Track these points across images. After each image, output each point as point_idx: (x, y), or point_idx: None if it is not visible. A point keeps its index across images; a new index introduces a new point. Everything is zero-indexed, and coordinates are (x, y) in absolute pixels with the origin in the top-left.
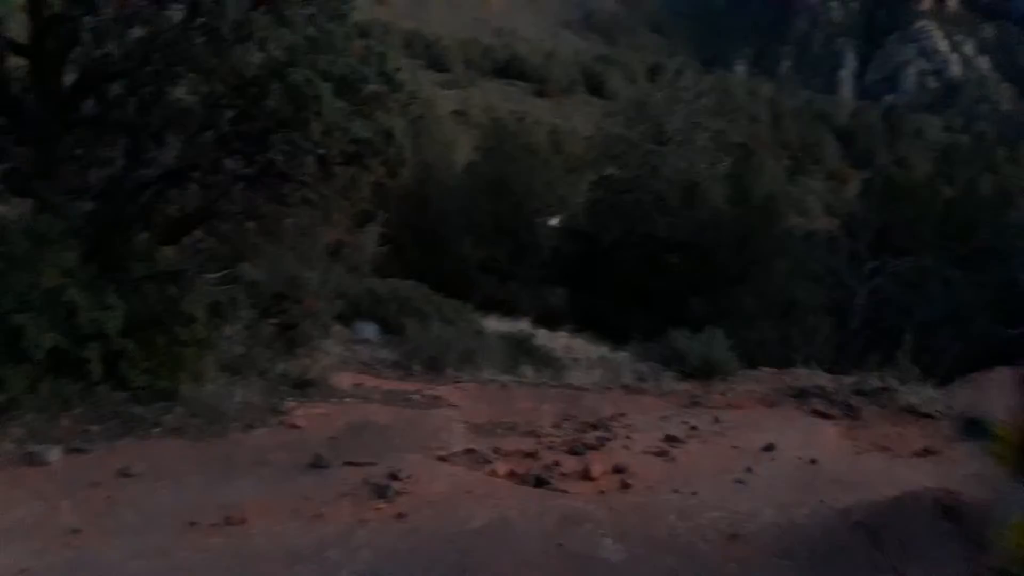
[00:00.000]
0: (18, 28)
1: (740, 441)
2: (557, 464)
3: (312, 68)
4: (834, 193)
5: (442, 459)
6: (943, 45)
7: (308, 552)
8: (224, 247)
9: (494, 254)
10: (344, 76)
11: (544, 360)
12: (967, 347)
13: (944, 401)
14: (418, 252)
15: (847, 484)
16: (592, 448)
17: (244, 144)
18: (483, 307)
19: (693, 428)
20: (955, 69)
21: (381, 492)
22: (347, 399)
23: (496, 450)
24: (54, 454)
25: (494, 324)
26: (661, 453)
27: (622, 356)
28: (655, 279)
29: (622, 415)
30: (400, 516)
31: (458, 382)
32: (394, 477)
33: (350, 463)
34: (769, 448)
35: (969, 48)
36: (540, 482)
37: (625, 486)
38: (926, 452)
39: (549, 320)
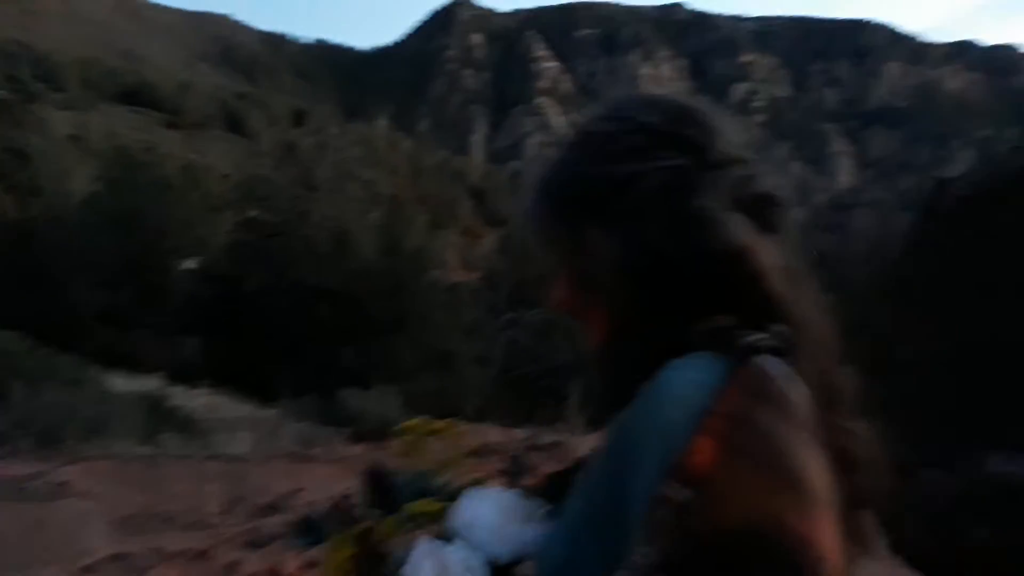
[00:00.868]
0: None
1: None
2: (238, 565)
3: None
4: (469, 248)
5: (86, 572)
6: (559, 121)
7: None
8: None
9: (116, 299)
10: None
11: (187, 425)
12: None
13: None
14: (18, 294)
15: None
16: (277, 538)
17: None
18: (103, 361)
19: None
20: None
21: None
22: None
23: (156, 551)
24: None
25: (121, 383)
26: None
27: (272, 414)
28: (305, 328)
29: (300, 490)
30: None
31: (87, 460)
32: None
33: None
34: None
35: None
36: None
37: None
38: None
39: (184, 375)
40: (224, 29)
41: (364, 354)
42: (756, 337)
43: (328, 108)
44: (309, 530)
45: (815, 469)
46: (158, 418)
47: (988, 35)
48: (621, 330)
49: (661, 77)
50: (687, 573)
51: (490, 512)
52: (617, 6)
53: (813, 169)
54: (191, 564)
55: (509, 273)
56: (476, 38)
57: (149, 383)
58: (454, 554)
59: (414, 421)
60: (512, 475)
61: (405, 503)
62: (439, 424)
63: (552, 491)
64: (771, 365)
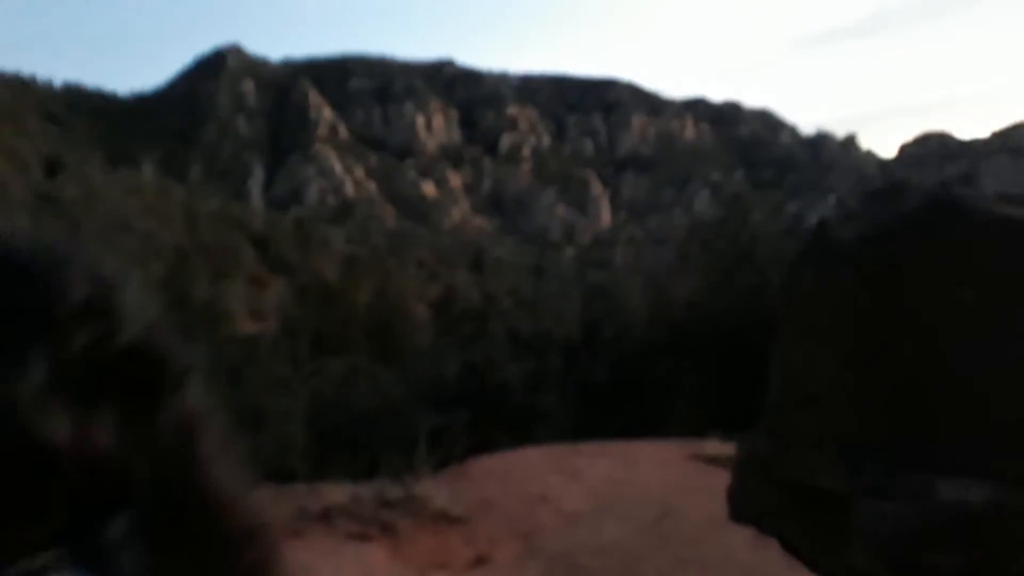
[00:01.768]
0: None
1: None
2: None
3: None
4: (256, 298)
5: None
6: (338, 168)
7: None
8: None
9: None
10: None
11: None
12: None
13: (462, 499)
14: None
15: None
16: None
17: None
18: None
19: None
20: (349, 189)
21: None
22: None
23: None
24: None
25: None
26: None
27: None
28: None
29: None
30: None
31: None
32: None
33: None
34: None
35: (359, 172)
36: None
37: None
38: (479, 561)
39: None
40: None
41: None
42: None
43: (85, 155)
44: None
45: None
46: None
47: (715, 92)
48: None
49: (435, 127)
50: None
51: None
52: (390, 60)
53: (577, 211)
54: None
55: (307, 322)
56: (248, 85)
57: None
58: None
59: None
60: (370, 539)
61: None
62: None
63: None
64: None
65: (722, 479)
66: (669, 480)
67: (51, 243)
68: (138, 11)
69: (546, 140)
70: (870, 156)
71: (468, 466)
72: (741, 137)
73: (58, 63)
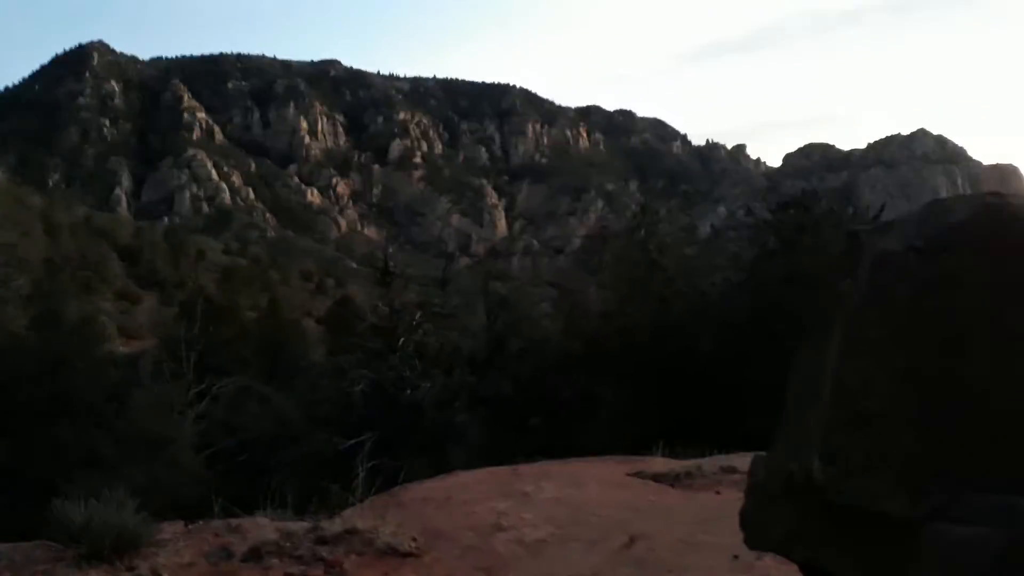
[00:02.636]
0: None
1: None
2: None
3: None
4: (127, 314)
5: None
6: (214, 174)
7: None
8: None
9: None
10: None
11: None
12: (303, 461)
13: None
14: None
15: None
16: None
17: None
18: None
19: None
20: (226, 196)
21: None
22: None
23: None
24: None
25: None
26: None
27: None
28: None
29: None
30: None
31: None
32: None
33: None
34: None
35: (237, 179)
36: None
37: None
38: None
39: None
40: None
41: (23, 449)
42: None
43: None
44: None
45: None
46: None
47: (608, 101)
48: None
49: (319, 131)
50: None
51: None
52: (271, 60)
53: (473, 220)
54: None
55: (191, 340)
56: (113, 85)
57: None
58: None
59: None
60: None
61: None
62: None
63: None
64: None
65: (675, 498)
66: (622, 501)
67: None
68: None
69: (438, 147)
70: (758, 166)
71: (397, 494)
72: (634, 147)
73: None
